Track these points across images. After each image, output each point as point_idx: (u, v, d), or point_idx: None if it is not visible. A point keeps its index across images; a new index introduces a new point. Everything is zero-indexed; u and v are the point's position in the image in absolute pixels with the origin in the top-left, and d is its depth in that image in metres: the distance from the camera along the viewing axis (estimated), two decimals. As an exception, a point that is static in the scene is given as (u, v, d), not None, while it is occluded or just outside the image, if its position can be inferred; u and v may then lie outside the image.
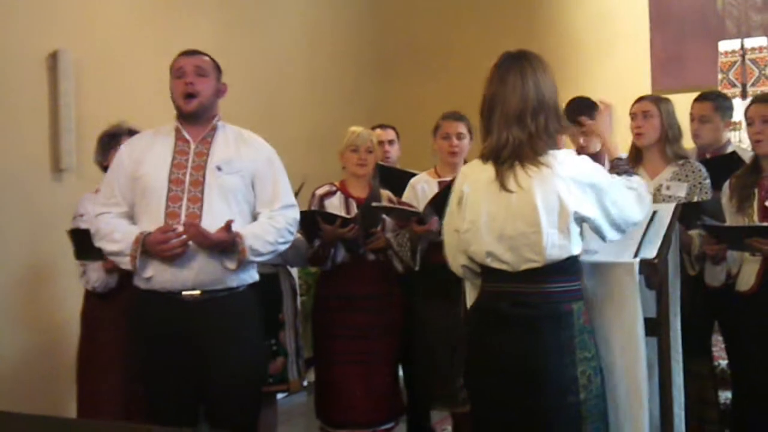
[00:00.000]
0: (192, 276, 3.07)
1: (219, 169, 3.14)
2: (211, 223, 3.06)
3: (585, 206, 2.61)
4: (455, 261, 2.83)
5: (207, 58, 3.25)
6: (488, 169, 2.69)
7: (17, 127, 4.57)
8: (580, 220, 2.64)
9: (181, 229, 3.02)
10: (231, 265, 3.09)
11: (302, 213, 3.83)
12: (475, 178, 2.72)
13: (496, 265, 2.67)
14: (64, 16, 4.80)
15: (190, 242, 3.03)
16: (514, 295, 2.65)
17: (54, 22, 4.75)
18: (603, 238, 2.71)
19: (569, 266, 2.66)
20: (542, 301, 2.63)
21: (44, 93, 4.71)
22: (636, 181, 2.85)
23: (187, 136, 3.20)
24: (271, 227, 3.17)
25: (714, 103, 4.15)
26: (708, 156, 4.15)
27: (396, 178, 4.23)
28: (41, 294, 4.64)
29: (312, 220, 3.78)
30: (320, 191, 4.01)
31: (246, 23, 6.10)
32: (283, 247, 3.26)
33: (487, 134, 2.71)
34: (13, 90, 4.56)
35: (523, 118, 2.64)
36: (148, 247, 3.04)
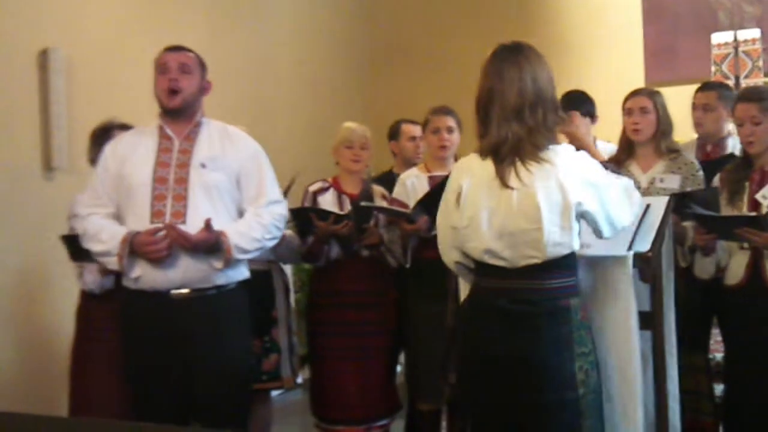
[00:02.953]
0: (179, 275, 3.05)
1: (203, 166, 3.12)
2: (196, 220, 3.04)
3: (586, 201, 2.59)
4: (449, 257, 2.80)
5: (192, 54, 3.22)
6: (487, 166, 2.65)
7: (8, 126, 4.55)
8: (581, 215, 2.62)
9: (163, 231, 3.01)
10: (218, 264, 3.07)
11: (295, 210, 3.84)
12: (473, 174, 2.68)
13: (493, 261, 2.64)
14: (54, 13, 4.78)
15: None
16: (512, 291, 2.63)
17: (45, 19, 4.73)
18: (599, 235, 2.69)
19: (567, 262, 2.64)
20: (541, 297, 2.61)
21: (35, 91, 4.69)
22: (626, 179, 2.83)
23: (171, 134, 3.18)
24: (257, 224, 3.14)
25: (718, 92, 4.16)
26: (709, 148, 4.16)
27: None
28: (34, 293, 4.62)
29: (305, 217, 3.77)
30: (313, 187, 4.00)
31: (237, 20, 6.09)
32: (270, 244, 3.23)
33: (484, 129, 2.67)
34: (3, 88, 4.54)
35: (521, 112, 2.60)
36: (136, 248, 3.03)
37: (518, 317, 2.61)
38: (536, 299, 2.61)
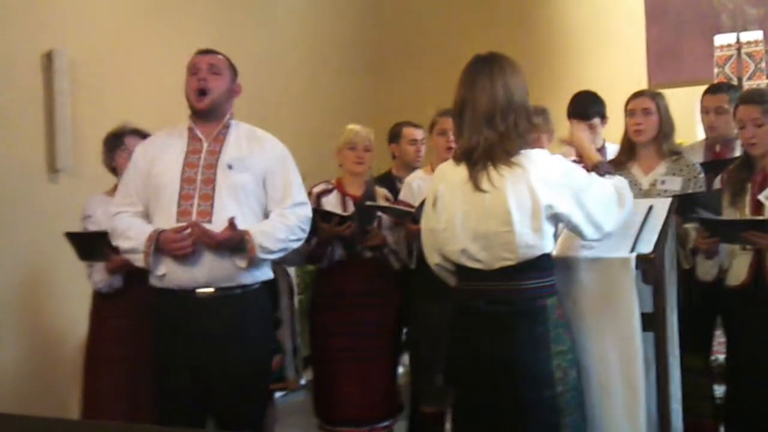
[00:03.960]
0: (205, 273, 3.08)
1: (230, 167, 3.16)
2: (222, 220, 3.07)
3: (560, 204, 2.64)
4: (431, 260, 2.90)
5: (221, 56, 3.28)
6: (461, 171, 2.73)
7: (12, 128, 4.56)
8: (555, 218, 2.68)
9: (188, 229, 3.04)
10: (241, 263, 3.10)
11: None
12: (449, 178, 2.77)
13: (470, 263, 2.72)
14: (59, 15, 4.79)
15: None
16: (489, 293, 2.70)
17: (49, 21, 4.74)
18: (582, 236, 2.74)
19: (542, 263, 2.70)
20: (517, 297, 2.68)
21: (39, 93, 4.70)
22: (618, 179, 2.89)
23: (200, 135, 3.22)
24: (281, 225, 3.18)
25: (728, 94, 4.16)
26: (718, 148, 4.17)
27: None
28: (39, 295, 4.63)
29: (309, 219, 3.78)
30: (317, 189, 4.02)
31: (242, 22, 6.10)
32: (294, 245, 3.26)
33: (459, 136, 2.76)
34: (7, 90, 4.54)
35: (492, 119, 2.68)
36: (161, 245, 3.06)
37: (496, 318, 2.69)
38: (513, 300, 2.68)
